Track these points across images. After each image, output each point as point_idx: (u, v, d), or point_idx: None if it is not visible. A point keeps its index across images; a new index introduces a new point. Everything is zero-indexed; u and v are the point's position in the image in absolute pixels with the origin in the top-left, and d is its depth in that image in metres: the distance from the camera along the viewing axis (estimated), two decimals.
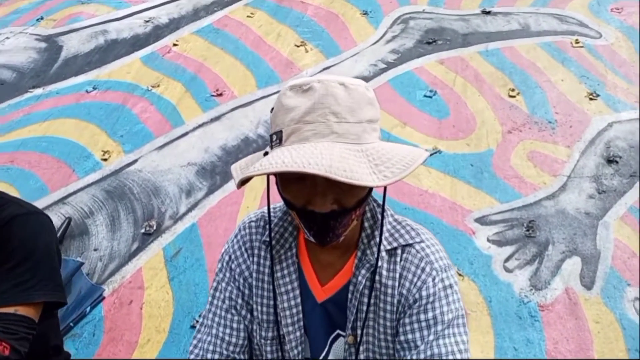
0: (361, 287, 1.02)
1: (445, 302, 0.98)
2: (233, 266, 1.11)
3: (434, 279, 0.99)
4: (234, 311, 1.11)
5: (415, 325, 0.98)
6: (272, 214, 1.10)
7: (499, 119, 3.04)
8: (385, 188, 0.91)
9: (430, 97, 3.26)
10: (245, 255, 1.10)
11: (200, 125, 3.43)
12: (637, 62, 3.26)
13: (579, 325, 2.12)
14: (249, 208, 2.85)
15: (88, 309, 2.54)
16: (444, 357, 0.93)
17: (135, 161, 3.29)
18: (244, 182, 0.83)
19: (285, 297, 1.07)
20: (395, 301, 1.01)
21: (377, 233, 1.02)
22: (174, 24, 4.42)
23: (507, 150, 2.86)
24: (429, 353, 0.94)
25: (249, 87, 3.63)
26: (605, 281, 2.25)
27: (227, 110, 3.50)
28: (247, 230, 1.12)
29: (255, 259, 1.09)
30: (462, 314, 1.00)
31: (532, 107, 3.08)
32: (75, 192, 3.17)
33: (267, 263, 1.08)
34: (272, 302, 1.07)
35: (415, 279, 1.00)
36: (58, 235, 2.78)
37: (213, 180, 3.06)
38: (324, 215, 0.86)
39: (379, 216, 1.03)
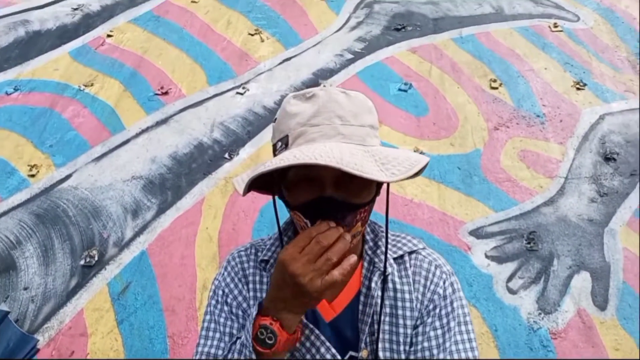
0: (376, 295, 0.97)
1: (457, 305, 0.98)
2: (229, 300, 1.03)
3: (444, 282, 1.00)
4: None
5: (432, 334, 0.96)
6: (261, 241, 1.09)
7: (482, 113, 2.76)
8: (387, 195, 0.94)
9: (405, 90, 2.93)
10: (240, 286, 1.04)
11: (144, 131, 2.96)
12: (620, 46, 3.06)
13: (597, 354, 1.88)
14: (208, 229, 2.45)
15: None
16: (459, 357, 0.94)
17: (69, 176, 2.79)
18: (249, 189, 0.86)
19: None
20: (414, 306, 0.98)
21: (380, 243, 1.02)
22: (107, 12, 3.85)
23: (496, 149, 2.59)
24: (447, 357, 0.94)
25: (198, 83, 3.18)
26: (619, 299, 2.02)
27: (175, 112, 3.04)
28: (238, 260, 1.06)
29: (251, 286, 1.03)
30: (470, 319, 1.00)
31: (517, 99, 2.82)
32: None
33: (265, 287, 1.02)
34: None
35: (428, 283, 1.00)
36: None
37: (163, 197, 2.62)
38: (333, 203, 0.84)
39: (379, 231, 1.04)
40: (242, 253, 1.08)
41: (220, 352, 0.98)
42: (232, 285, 1.05)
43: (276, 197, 0.98)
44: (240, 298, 1.03)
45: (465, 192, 2.43)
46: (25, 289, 2.34)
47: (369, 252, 1.03)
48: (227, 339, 1.00)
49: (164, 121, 3.00)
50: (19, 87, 3.33)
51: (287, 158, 0.78)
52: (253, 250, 1.07)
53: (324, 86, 2.99)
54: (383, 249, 1.02)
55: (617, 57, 3.00)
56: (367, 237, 1.05)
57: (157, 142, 2.88)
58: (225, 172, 2.69)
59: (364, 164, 0.78)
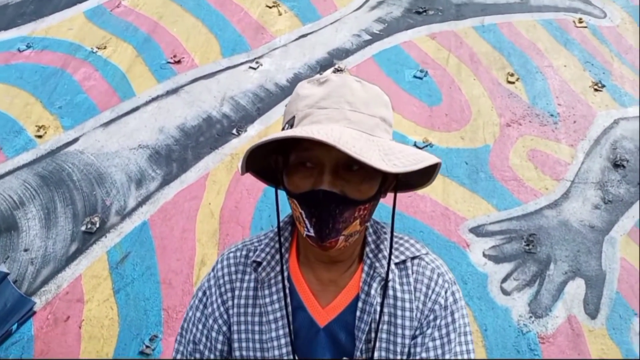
0: (375, 302, 0.93)
1: (458, 316, 0.96)
2: (207, 304, 1.01)
3: (446, 292, 0.97)
4: (197, 355, 1.02)
5: (430, 344, 0.94)
6: (256, 240, 1.04)
7: (496, 108, 2.71)
8: (395, 197, 0.91)
9: (420, 78, 2.88)
10: (224, 297, 1.00)
11: (154, 99, 2.95)
12: None
13: None
14: (210, 205, 2.46)
15: (15, 326, 2.14)
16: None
17: (76, 140, 2.80)
18: (248, 168, 0.87)
19: (273, 326, 0.95)
20: (413, 315, 0.95)
21: (382, 247, 0.98)
22: None
23: (506, 146, 2.55)
24: None
25: (212, 54, 3.14)
26: (610, 309, 2.02)
27: (186, 82, 3.01)
28: (226, 263, 1.02)
29: (237, 292, 0.99)
30: (470, 329, 0.98)
31: (532, 96, 2.76)
32: (2, 176, 2.68)
33: (251, 293, 0.98)
34: (257, 337, 0.97)
35: (429, 292, 0.96)
36: None
37: (169, 169, 2.63)
38: (327, 195, 0.80)
39: (382, 232, 1.00)
40: (232, 255, 1.04)
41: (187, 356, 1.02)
42: (213, 290, 1.02)
43: (278, 191, 0.94)
44: (215, 305, 1.00)
45: (470, 188, 2.41)
46: (26, 250, 2.38)
47: (370, 255, 0.98)
48: (190, 347, 1.02)
49: (174, 91, 2.98)
50: (32, 45, 3.32)
51: (285, 133, 0.75)
52: (244, 252, 1.03)
53: (339, 67, 2.95)
54: (385, 252, 0.98)
55: None
56: (369, 239, 1.00)
57: (167, 112, 2.87)
58: (232, 148, 2.68)
59: (365, 149, 0.73)
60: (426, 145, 2.55)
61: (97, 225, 2.43)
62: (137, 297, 2.20)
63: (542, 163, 2.47)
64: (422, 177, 0.94)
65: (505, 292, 2.09)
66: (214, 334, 0.99)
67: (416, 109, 2.74)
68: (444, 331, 0.94)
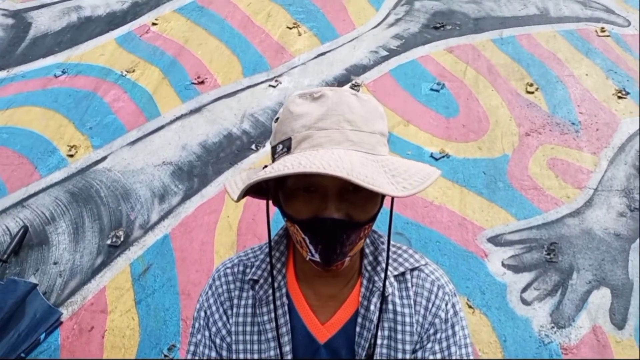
0: (374, 318, 0.91)
1: (458, 329, 0.94)
2: (210, 324, 0.98)
3: (446, 305, 0.95)
4: None
5: (431, 358, 0.92)
6: (252, 255, 1.01)
7: (515, 118, 2.68)
8: (392, 207, 0.92)
9: (437, 90, 2.89)
10: (222, 310, 0.98)
11: (178, 118, 3.06)
12: None
13: None
14: (229, 218, 2.51)
15: (43, 335, 2.22)
16: None
17: (104, 158, 2.93)
18: (244, 194, 0.80)
19: (272, 344, 0.93)
20: (414, 330, 0.93)
21: (380, 259, 0.95)
22: (155, 0, 3.98)
23: (525, 156, 2.51)
24: None
25: (234, 74, 3.25)
26: (639, 319, 1.93)
27: (208, 101, 3.12)
28: (224, 279, 0.99)
29: (235, 310, 0.97)
30: (471, 340, 0.96)
31: (552, 105, 2.71)
32: (36, 194, 2.82)
33: (249, 311, 0.96)
34: (256, 356, 0.94)
35: (429, 305, 0.94)
36: (12, 246, 2.45)
37: (190, 184, 2.71)
38: (335, 223, 0.78)
39: (379, 243, 0.97)
40: (229, 271, 1.00)
41: None
42: (214, 308, 0.99)
43: (269, 202, 0.90)
44: (220, 324, 0.98)
45: (487, 198, 2.38)
46: (55, 263, 2.48)
47: (369, 269, 0.96)
48: None
49: (197, 110, 3.08)
50: (67, 70, 3.51)
51: (292, 165, 0.71)
52: (241, 268, 1.00)
53: (356, 83, 2.99)
54: (384, 265, 0.94)
55: None
56: (367, 251, 0.97)
57: (190, 130, 2.97)
58: (250, 162, 2.74)
59: (375, 176, 0.71)
60: (443, 156, 2.54)
61: (122, 239, 2.52)
62: (157, 308, 2.25)
63: (563, 171, 2.42)
64: None
65: (526, 302, 2.03)
66: (224, 353, 0.98)
67: (433, 120, 2.74)
68: (444, 344, 0.93)
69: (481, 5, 3.40)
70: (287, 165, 0.71)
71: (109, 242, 2.52)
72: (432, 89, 2.90)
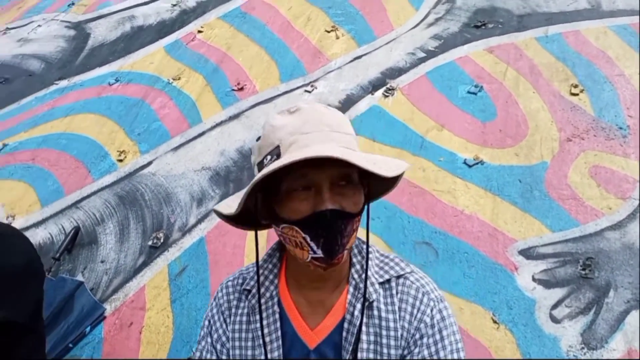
0: (358, 323, 0.96)
1: (446, 334, 0.96)
2: (212, 332, 1.09)
3: (432, 310, 0.97)
4: None
5: None
6: (251, 268, 1.10)
7: (556, 122, 2.55)
8: (368, 210, 0.97)
9: (474, 93, 2.80)
10: (222, 319, 1.08)
11: (218, 124, 3.17)
12: None
13: None
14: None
15: (88, 328, 2.40)
16: None
17: (150, 163, 3.09)
18: (233, 217, 0.96)
19: (269, 348, 1.00)
20: (399, 335, 0.96)
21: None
22: (201, 8, 4.13)
23: (565, 163, 2.39)
24: None
25: (271, 80, 3.31)
26: None
27: (247, 107, 3.20)
28: (225, 291, 1.10)
29: (233, 318, 1.06)
30: (462, 345, 0.97)
31: (598, 108, 2.56)
32: (89, 196, 3.03)
33: (244, 319, 1.05)
34: None
35: (414, 311, 0.97)
36: (65, 245, 2.65)
37: (226, 188, 2.80)
38: (334, 213, 0.85)
39: (365, 252, 1.03)
40: (230, 284, 1.11)
41: None
42: (216, 317, 1.09)
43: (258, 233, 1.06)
44: (220, 331, 1.07)
45: (522, 208, 2.29)
46: (102, 262, 2.66)
47: (355, 277, 1.02)
48: None
49: (236, 116, 3.18)
50: (120, 79, 3.72)
51: (292, 157, 0.79)
52: (240, 280, 1.10)
53: (390, 86, 2.96)
54: (369, 272, 1.01)
55: None
56: (354, 260, 1.04)
57: (228, 136, 3.07)
58: None
59: (363, 162, 0.81)
60: (477, 163, 2.47)
61: (162, 240, 2.66)
62: (190, 307, 2.36)
63: (606, 180, 2.28)
64: (386, 186, 1.02)
65: (555, 320, 1.95)
66: (224, 358, 1.06)
67: (468, 125, 2.66)
68: (432, 349, 0.95)
69: (526, 1, 3.25)
70: (287, 157, 0.80)
71: (150, 243, 2.66)
72: (469, 92, 2.81)
